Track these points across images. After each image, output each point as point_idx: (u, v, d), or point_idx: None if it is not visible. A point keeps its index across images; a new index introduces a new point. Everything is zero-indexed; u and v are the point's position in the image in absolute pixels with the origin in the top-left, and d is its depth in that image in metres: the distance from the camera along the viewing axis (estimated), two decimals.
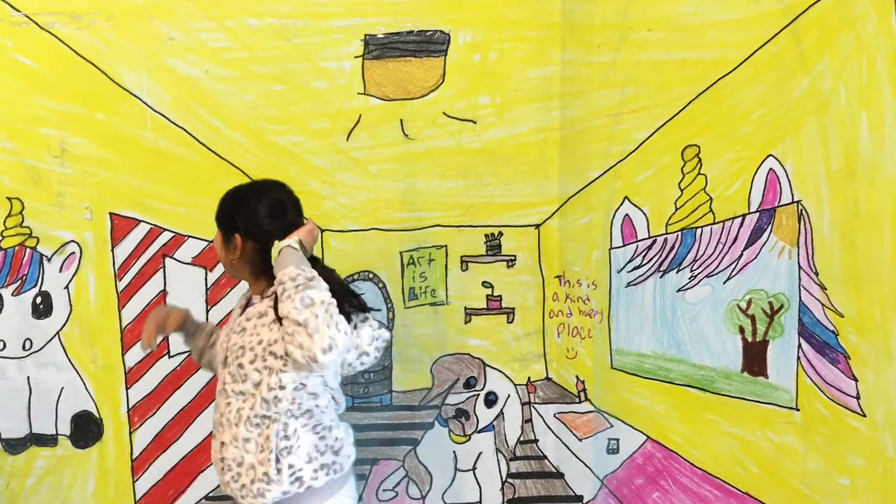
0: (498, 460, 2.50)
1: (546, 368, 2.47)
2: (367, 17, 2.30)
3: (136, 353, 2.39)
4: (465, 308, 2.46)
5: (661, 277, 2.37)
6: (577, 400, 2.47)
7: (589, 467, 2.46)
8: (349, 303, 1.75)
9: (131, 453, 2.43)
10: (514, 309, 2.45)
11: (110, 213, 2.36)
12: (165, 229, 2.37)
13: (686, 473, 2.40)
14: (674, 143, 2.31)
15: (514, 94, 2.34)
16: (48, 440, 2.41)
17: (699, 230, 2.32)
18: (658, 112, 2.31)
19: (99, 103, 2.30)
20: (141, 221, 2.37)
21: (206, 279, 2.39)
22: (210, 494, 2.45)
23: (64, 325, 2.38)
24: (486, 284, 2.44)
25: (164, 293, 2.39)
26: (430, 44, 2.32)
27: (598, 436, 2.46)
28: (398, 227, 2.41)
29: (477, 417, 2.49)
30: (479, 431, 2.49)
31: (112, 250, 2.37)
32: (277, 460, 1.70)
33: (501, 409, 2.49)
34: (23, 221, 2.34)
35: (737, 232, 2.28)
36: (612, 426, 2.45)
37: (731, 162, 2.27)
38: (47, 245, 2.35)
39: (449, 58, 2.33)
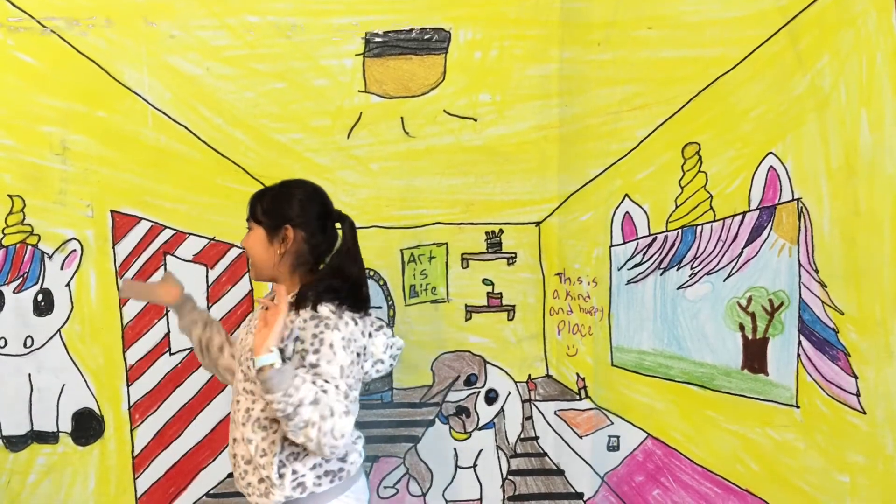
0: (498, 457, 2.50)
1: (546, 366, 2.48)
2: (367, 15, 2.30)
3: (137, 351, 2.40)
4: (466, 305, 2.46)
5: (661, 275, 2.38)
6: (578, 397, 2.47)
7: (589, 464, 2.47)
8: (356, 306, 1.76)
9: (132, 451, 2.43)
10: (514, 306, 2.46)
11: (111, 211, 2.36)
12: (166, 227, 2.38)
13: (686, 470, 2.40)
14: (674, 141, 2.32)
15: (514, 91, 2.35)
16: (49, 437, 2.41)
17: (699, 228, 2.33)
18: (658, 110, 2.31)
19: (100, 101, 2.30)
20: (142, 219, 2.37)
21: (206, 277, 2.40)
22: (211, 492, 2.45)
23: (65, 322, 2.38)
24: (486, 282, 2.45)
25: None
26: (430, 41, 2.32)
27: (599, 433, 2.46)
28: (399, 224, 2.41)
29: (477, 415, 2.49)
30: (480, 429, 2.49)
31: (113, 248, 2.37)
32: (282, 465, 1.70)
33: (502, 407, 2.49)
34: (24, 219, 2.34)
35: (737, 229, 2.29)
36: (612, 423, 2.45)
37: (731, 159, 2.28)
38: (48, 243, 2.35)
39: (450, 55, 2.33)
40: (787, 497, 2.29)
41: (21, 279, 2.36)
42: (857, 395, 2.15)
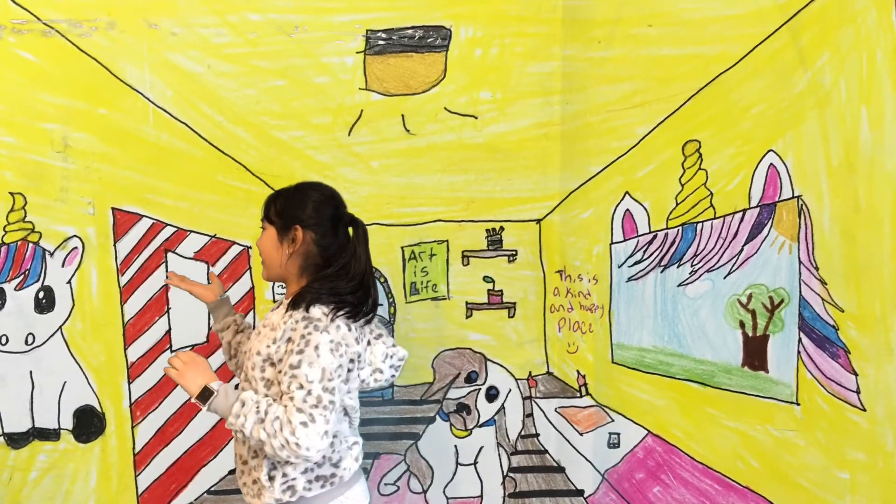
0: (499, 454, 2.50)
1: (547, 363, 2.48)
2: (368, 13, 2.31)
3: (138, 348, 2.40)
4: (467, 303, 2.46)
5: (661, 272, 2.38)
6: (578, 394, 2.47)
7: (590, 461, 2.47)
8: (357, 310, 1.76)
9: (134, 448, 2.43)
10: (515, 304, 2.46)
11: (112, 208, 2.36)
12: (167, 224, 2.38)
13: (686, 467, 2.40)
14: (674, 139, 2.32)
15: (515, 89, 2.35)
16: (50, 434, 2.41)
17: (700, 225, 2.33)
18: (659, 107, 2.31)
19: (101, 98, 2.31)
20: (143, 216, 2.37)
21: (207, 274, 2.40)
22: (212, 489, 2.46)
23: (66, 319, 2.38)
24: (487, 279, 2.45)
25: (166, 288, 2.40)
26: (431, 39, 2.33)
27: (599, 430, 2.47)
28: (399, 221, 2.42)
29: (478, 412, 2.49)
30: (481, 426, 2.50)
31: (114, 245, 2.38)
32: (273, 468, 1.71)
33: (502, 404, 2.49)
34: (25, 216, 2.34)
35: (737, 227, 2.29)
36: (612, 420, 2.46)
37: (731, 157, 2.28)
38: (50, 240, 2.36)
39: (450, 53, 2.34)
40: (787, 494, 2.29)
41: (22, 276, 2.36)
42: (858, 392, 2.15)
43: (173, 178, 2.36)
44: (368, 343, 1.87)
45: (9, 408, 2.39)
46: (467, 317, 2.47)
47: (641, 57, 2.30)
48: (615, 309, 2.43)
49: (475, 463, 2.51)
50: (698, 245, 2.33)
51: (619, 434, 2.45)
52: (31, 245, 2.35)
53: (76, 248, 2.37)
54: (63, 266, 2.37)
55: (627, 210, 2.39)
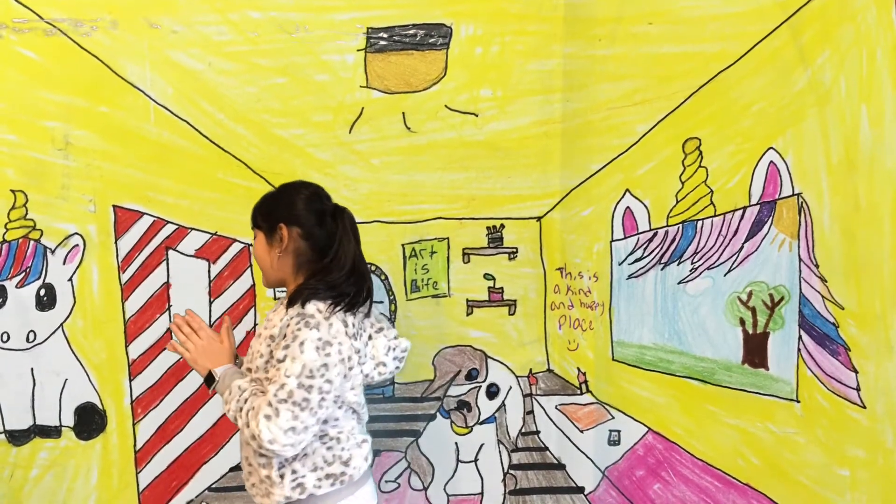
0: (499, 452, 2.51)
1: (547, 360, 2.48)
2: (369, 11, 2.31)
3: (139, 345, 2.41)
4: (467, 300, 2.46)
5: (662, 270, 2.38)
6: (579, 392, 2.48)
7: (590, 458, 2.48)
8: (354, 300, 1.76)
9: (135, 445, 2.44)
10: (515, 301, 2.46)
11: (114, 206, 2.37)
12: (169, 222, 2.38)
13: (687, 465, 2.41)
14: (675, 136, 2.32)
15: (515, 87, 2.35)
16: (52, 432, 2.42)
17: (700, 223, 2.33)
18: (659, 105, 2.32)
19: (102, 96, 2.31)
20: (144, 214, 2.37)
21: (209, 271, 2.40)
22: (213, 486, 2.46)
23: (67, 317, 2.39)
24: (487, 277, 2.45)
25: (167, 285, 2.40)
26: (432, 37, 2.33)
27: (600, 427, 2.47)
28: (400, 219, 2.42)
29: (479, 409, 2.50)
30: (481, 423, 2.50)
31: (115, 242, 2.38)
32: (282, 465, 1.71)
33: (503, 401, 2.50)
34: (26, 214, 2.34)
35: (737, 224, 2.29)
36: (613, 418, 2.46)
37: (731, 154, 2.28)
38: (51, 237, 2.36)
39: (451, 51, 2.34)
40: (787, 491, 2.29)
41: (23, 274, 2.37)
42: (858, 389, 2.15)
43: (174, 175, 2.36)
44: (370, 337, 1.88)
45: (10, 405, 2.40)
46: (468, 314, 2.47)
47: (642, 55, 2.30)
48: (615, 306, 2.43)
49: (476, 460, 2.51)
50: (698, 242, 2.34)
51: (619, 431, 2.46)
52: (32, 242, 2.36)
53: (77, 245, 2.37)
54: (64, 263, 2.37)
55: (628, 207, 2.39)
